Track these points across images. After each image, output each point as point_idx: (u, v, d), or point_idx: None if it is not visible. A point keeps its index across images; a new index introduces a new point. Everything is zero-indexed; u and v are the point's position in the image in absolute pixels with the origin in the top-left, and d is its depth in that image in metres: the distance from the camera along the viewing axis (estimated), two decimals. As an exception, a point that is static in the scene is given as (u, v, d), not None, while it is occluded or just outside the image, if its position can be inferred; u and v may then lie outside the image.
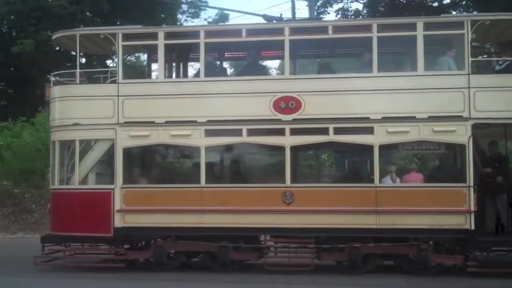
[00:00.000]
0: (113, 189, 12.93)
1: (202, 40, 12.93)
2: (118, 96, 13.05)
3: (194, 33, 13.18)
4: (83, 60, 22.42)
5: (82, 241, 13.34)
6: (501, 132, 12.73)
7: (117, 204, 12.86)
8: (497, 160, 13.05)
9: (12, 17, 28.80)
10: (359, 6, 29.72)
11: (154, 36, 13.19)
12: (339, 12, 29.65)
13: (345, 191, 12.52)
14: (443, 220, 11.98)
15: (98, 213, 12.94)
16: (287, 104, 12.53)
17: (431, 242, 12.20)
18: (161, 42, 13.06)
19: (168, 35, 13.19)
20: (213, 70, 13.29)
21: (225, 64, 14.76)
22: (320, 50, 14.29)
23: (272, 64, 13.65)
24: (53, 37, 14.25)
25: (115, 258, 13.17)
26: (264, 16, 14.38)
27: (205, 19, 34.92)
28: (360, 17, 26.95)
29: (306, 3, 25.78)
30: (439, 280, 11.91)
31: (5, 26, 31.49)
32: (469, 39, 12.08)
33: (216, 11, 33.83)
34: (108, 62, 23.10)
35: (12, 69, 30.61)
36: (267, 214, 12.44)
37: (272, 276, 12.19)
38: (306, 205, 12.34)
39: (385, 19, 13.08)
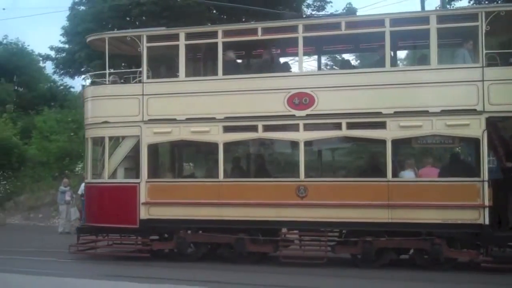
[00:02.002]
0: (138, 183, 13.65)
1: (220, 40, 13.37)
2: (142, 95, 13.73)
3: (212, 33, 13.60)
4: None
5: (111, 232, 14.15)
6: None
7: (143, 197, 13.57)
8: None
9: (144, 18, 28.82)
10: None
11: (176, 37, 13.75)
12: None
13: (358, 186, 12.63)
14: (457, 215, 11.86)
15: (126, 205, 13.71)
16: (301, 100, 12.76)
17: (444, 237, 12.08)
18: (182, 43, 13.61)
19: (189, 36, 13.70)
20: (231, 68, 13.67)
21: (243, 62, 15.06)
22: (337, 45, 14.37)
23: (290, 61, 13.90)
24: (87, 40, 15.10)
25: (142, 249, 13.88)
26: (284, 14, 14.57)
27: (331, 12, 33.81)
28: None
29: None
30: (451, 275, 11.80)
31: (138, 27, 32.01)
32: (483, 31, 11.85)
33: (343, 4, 32.39)
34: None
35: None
36: (281, 208, 12.76)
37: (288, 268, 12.49)
38: (319, 199, 12.56)
39: (398, 13, 12.92)
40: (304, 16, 24.82)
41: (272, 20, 14.33)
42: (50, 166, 27.15)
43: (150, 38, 13.92)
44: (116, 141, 14.29)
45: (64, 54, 31.04)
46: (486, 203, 11.70)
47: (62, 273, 11.96)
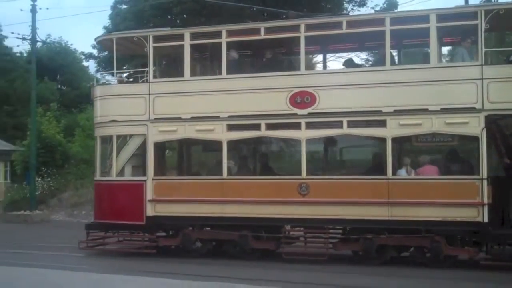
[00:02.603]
0: (145, 180, 13.95)
1: (224, 40, 13.59)
2: (149, 94, 14.03)
3: (216, 33, 13.83)
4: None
5: (118, 229, 14.47)
6: None
7: (149, 194, 13.87)
8: None
9: (185, 16, 29.36)
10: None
11: (181, 37, 14.01)
12: None
13: (359, 183, 12.77)
14: (456, 213, 11.93)
15: (132, 202, 14.02)
16: (302, 98, 12.94)
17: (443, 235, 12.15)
18: (187, 43, 13.87)
19: (193, 36, 13.95)
20: (235, 68, 13.89)
21: (247, 61, 15.26)
22: (337, 44, 14.49)
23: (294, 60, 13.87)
24: (96, 40, 15.46)
25: (148, 245, 14.19)
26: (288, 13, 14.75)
27: (371, 8, 32.73)
28: None
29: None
30: (451, 272, 11.87)
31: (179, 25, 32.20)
32: (483, 30, 11.89)
33: None
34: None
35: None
36: (284, 205, 12.96)
37: (291, 264, 12.68)
38: (320, 196, 12.72)
39: (398, 12, 13.03)
40: (345, 12, 24.63)
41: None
42: (93, 164, 27.60)
43: (156, 38, 14.20)
44: (124, 139, 14.59)
45: (106, 53, 31.41)
46: (485, 201, 11.75)
47: (90, 269, 12.38)
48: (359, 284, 11.07)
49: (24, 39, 27.13)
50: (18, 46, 56.40)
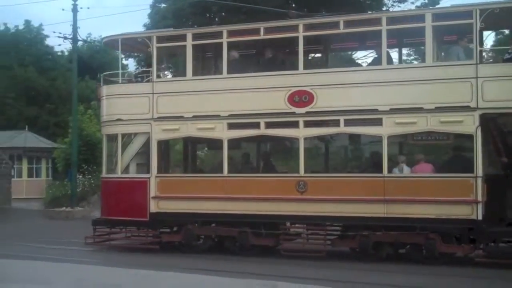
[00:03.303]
0: (149, 177, 14.30)
1: (224, 40, 13.87)
2: (152, 93, 14.37)
3: (217, 33, 14.11)
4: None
5: (123, 225, 14.86)
6: None
7: (152, 191, 14.22)
8: None
9: (223, 14, 29.47)
10: None
11: (183, 37, 14.33)
12: None
13: (355, 181, 12.96)
14: (450, 210, 12.05)
15: (137, 199, 14.40)
16: (300, 97, 13.15)
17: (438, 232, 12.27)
18: (189, 43, 14.17)
19: (195, 36, 14.26)
20: (236, 67, 14.15)
21: (247, 61, 15.50)
22: (332, 44, 14.67)
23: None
24: (103, 41, 15.85)
25: (152, 241, 14.55)
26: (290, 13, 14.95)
27: (412, 3, 32.46)
28: None
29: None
30: (447, 269, 11.97)
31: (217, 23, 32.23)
32: (478, 29, 11.97)
33: None
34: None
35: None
36: (282, 202, 13.20)
37: (290, 260, 12.90)
38: (318, 194, 12.93)
39: (394, 12, 13.14)
40: (386, 8, 24.28)
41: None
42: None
43: (160, 39, 14.53)
44: (129, 137, 14.96)
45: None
46: (479, 198, 11.85)
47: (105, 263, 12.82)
48: (357, 279, 11.22)
49: (65, 38, 27.67)
50: (59, 45, 57.93)
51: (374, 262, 12.62)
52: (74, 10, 26.45)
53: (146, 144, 14.51)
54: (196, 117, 14.00)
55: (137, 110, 14.52)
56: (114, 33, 15.50)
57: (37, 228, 19.86)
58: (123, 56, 37.36)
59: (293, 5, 27.49)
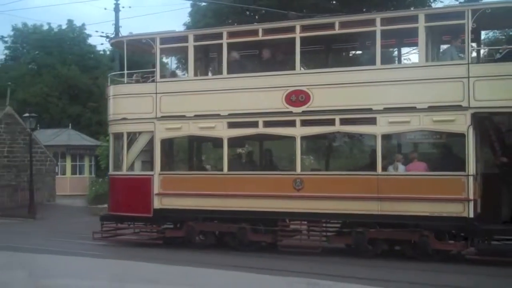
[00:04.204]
0: (152, 175, 14.75)
1: (224, 41, 14.22)
2: (156, 93, 14.81)
3: (218, 35, 14.47)
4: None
5: (129, 220, 15.35)
6: None
7: (156, 188, 14.67)
8: None
9: (263, 11, 28.43)
10: None
11: (185, 38, 14.72)
12: None
13: (349, 179, 13.23)
14: (442, 208, 12.24)
15: (141, 196, 14.86)
16: (297, 97, 13.45)
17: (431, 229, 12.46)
18: (191, 44, 14.57)
19: (197, 37, 14.64)
20: (235, 68, 14.50)
21: (247, 61, 15.80)
22: (329, 44, 14.91)
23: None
24: (110, 42, 16.35)
25: (156, 236, 15.02)
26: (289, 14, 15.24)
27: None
28: None
29: None
30: (441, 265, 12.14)
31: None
32: (470, 29, 12.11)
33: None
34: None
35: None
36: (279, 199, 13.52)
37: (289, 255, 13.27)
38: (314, 191, 13.23)
39: (388, 12, 13.33)
40: (428, 5, 23.90)
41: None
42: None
43: (163, 40, 14.95)
44: (134, 136, 15.43)
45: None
46: (471, 196, 12.02)
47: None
48: (349, 274, 11.44)
49: (107, 37, 28.19)
50: (102, 44, 58.67)
51: (371, 258, 12.85)
52: (116, 9, 26.81)
53: (150, 143, 14.94)
54: (197, 116, 14.39)
55: (141, 109, 14.97)
56: (117, 37, 16.01)
57: (81, 225, 20.41)
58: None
59: (334, 2, 27.65)
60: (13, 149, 28.47)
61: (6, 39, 45.29)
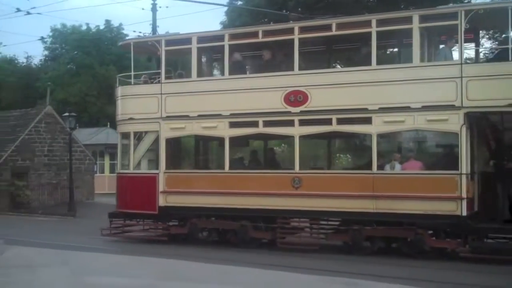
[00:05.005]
0: (157, 173, 15.21)
1: (226, 43, 14.59)
2: (161, 94, 15.26)
3: (220, 37, 14.85)
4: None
5: (135, 217, 15.84)
6: None
7: (161, 186, 15.13)
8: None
9: (299, 9, 28.68)
10: None
11: (189, 41, 15.13)
12: None
13: (346, 177, 13.49)
14: (436, 206, 12.42)
15: (147, 193, 15.33)
16: (296, 97, 13.75)
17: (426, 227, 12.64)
18: (194, 46, 14.98)
19: (200, 39, 15.04)
20: (238, 69, 14.86)
21: (249, 62, 16.13)
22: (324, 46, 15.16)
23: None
24: (119, 45, 16.87)
25: (161, 233, 15.48)
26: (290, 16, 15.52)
27: None
28: None
29: None
30: (435, 262, 12.33)
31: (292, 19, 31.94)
32: (463, 29, 12.26)
33: None
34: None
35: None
36: (279, 197, 13.85)
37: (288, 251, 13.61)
38: (311, 189, 13.51)
39: (383, 14, 13.51)
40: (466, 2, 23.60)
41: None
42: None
43: (168, 42, 15.39)
44: (140, 135, 15.90)
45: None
46: (464, 195, 12.17)
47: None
48: (345, 269, 11.70)
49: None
50: None
51: (368, 255, 13.06)
52: (153, 9, 27.07)
53: (156, 142, 15.40)
54: (200, 116, 14.80)
55: (147, 109, 15.43)
56: (125, 39, 16.46)
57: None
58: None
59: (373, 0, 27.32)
60: (53, 148, 29.06)
61: (45, 39, 46.03)
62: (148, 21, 26.85)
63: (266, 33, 14.41)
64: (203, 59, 15.97)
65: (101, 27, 46.37)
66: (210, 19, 71.59)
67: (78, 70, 43.62)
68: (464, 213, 12.17)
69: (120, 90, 16.36)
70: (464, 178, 12.20)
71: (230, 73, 14.66)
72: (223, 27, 29.23)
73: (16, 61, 48.67)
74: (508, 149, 13.00)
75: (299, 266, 11.75)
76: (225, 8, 30.77)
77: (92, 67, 42.98)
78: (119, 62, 44.06)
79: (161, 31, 28.09)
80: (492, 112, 12.30)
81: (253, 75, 14.78)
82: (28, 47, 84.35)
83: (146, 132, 15.72)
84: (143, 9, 36.60)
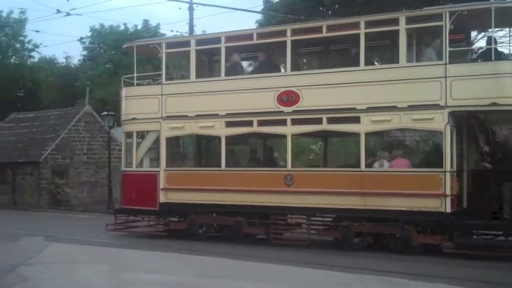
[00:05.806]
0: (158, 171, 15.79)
1: (223, 45, 15.10)
2: (162, 94, 15.84)
3: (216, 39, 15.35)
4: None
5: (138, 213, 16.45)
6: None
7: (162, 183, 15.70)
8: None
9: (336, 6, 29.06)
10: None
11: (188, 43, 15.68)
12: None
13: (335, 175, 13.87)
14: (421, 203, 12.73)
15: (149, 190, 15.92)
16: (288, 97, 14.18)
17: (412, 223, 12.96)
18: (192, 48, 15.51)
19: (198, 42, 15.58)
20: (235, 70, 15.34)
21: (244, 64, 16.61)
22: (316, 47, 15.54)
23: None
24: (123, 47, 17.52)
25: (162, 228, 16.07)
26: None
27: None
28: None
29: None
30: (423, 257, 12.60)
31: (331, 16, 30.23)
32: (447, 30, 12.53)
33: None
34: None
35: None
36: (272, 194, 14.30)
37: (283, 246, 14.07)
38: (303, 187, 13.94)
39: (371, 16, 13.84)
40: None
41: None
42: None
43: (168, 45, 15.96)
44: (142, 134, 16.50)
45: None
46: (448, 192, 12.46)
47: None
48: (333, 262, 12.09)
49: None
50: None
51: (358, 251, 13.43)
52: (190, 8, 27.41)
53: (157, 141, 15.98)
54: (198, 116, 15.33)
55: (149, 110, 16.02)
56: (128, 42, 17.07)
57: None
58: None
59: None
60: (92, 147, 30.04)
61: (84, 40, 46.71)
62: (185, 20, 27.25)
63: (260, 36, 14.88)
64: (203, 61, 16.44)
65: (139, 27, 46.85)
66: (246, 17, 71.59)
67: (116, 69, 43.84)
68: (448, 210, 12.46)
69: (124, 91, 16.98)
70: (448, 175, 12.48)
71: (227, 74, 15.15)
72: (258, 26, 29.37)
73: (55, 61, 49.86)
74: (498, 147, 13.17)
75: (296, 260, 12.08)
76: (261, 7, 31.04)
77: (129, 67, 43.47)
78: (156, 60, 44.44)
79: (198, 30, 28.48)
80: (476, 111, 12.56)
81: (247, 76, 15.24)
82: (67, 47, 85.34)
83: (147, 132, 16.30)
84: (180, 8, 36.60)
